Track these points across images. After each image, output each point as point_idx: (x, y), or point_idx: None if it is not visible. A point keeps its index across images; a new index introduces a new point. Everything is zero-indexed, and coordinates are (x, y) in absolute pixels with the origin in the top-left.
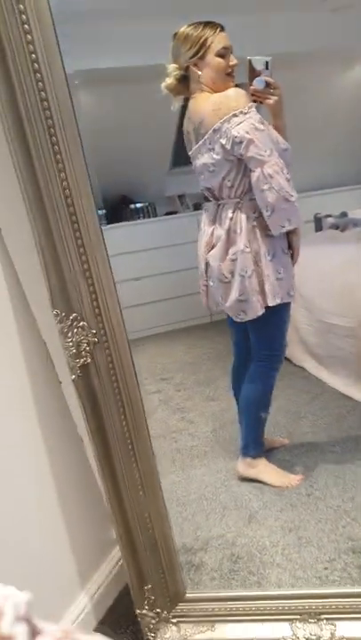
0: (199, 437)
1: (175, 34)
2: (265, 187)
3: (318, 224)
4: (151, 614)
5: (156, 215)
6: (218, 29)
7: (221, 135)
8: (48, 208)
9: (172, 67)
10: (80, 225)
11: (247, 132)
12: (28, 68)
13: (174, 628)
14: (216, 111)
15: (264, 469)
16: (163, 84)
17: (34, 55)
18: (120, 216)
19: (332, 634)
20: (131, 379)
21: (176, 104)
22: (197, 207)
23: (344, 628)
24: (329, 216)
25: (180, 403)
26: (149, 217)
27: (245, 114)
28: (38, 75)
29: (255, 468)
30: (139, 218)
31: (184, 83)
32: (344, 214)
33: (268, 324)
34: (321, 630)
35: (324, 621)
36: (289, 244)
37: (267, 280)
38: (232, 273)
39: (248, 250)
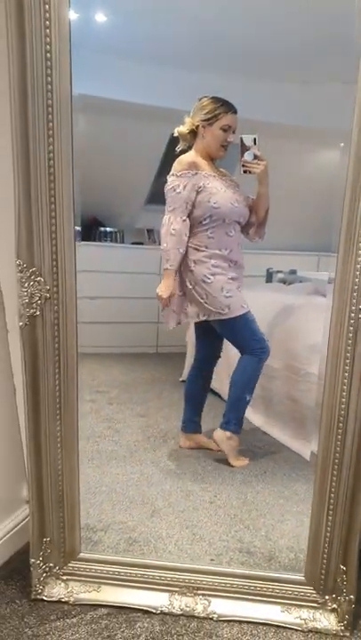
0: (121, 445)
1: (200, 98)
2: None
3: (269, 277)
4: (44, 567)
5: (123, 242)
6: (231, 110)
7: None
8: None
9: (188, 120)
10: (56, 191)
11: (167, 190)
12: (43, 86)
13: (62, 584)
14: (172, 168)
15: (234, 443)
16: (177, 129)
17: (49, 71)
18: (88, 236)
19: (204, 608)
20: (71, 340)
21: (180, 146)
22: None
23: (216, 604)
24: (280, 272)
25: (111, 414)
26: (117, 242)
27: (178, 177)
28: (49, 94)
29: (231, 440)
30: (106, 241)
31: (191, 135)
32: (293, 271)
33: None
34: (196, 604)
35: (200, 597)
36: None
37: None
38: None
39: None
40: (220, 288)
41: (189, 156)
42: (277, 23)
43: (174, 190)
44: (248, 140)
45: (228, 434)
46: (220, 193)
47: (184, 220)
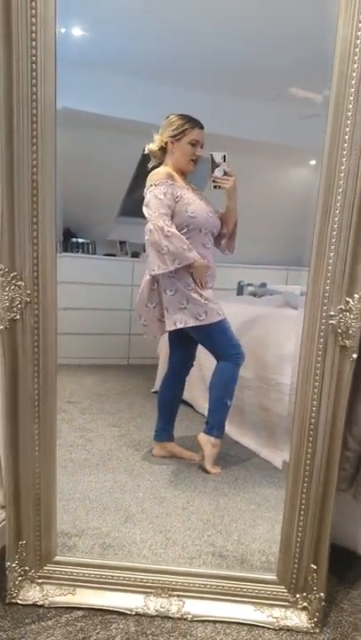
0: (94, 453)
1: (168, 116)
2: (146, 238)
3: (240, 290)
4: (19, 570)
5: (95, 253)
6: (197, 126)
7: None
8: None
9: (157, 137)
10: (38, 197)
11: (149, 199)
12: (28, 96)
13: (38, 588)
14: (147, 182)
15: (217, 448)
16: (147, 146)
17: (34, 82)
18: (61, 247)
19: (179, 609)
20: (52, 344)
21: (152, 163)
22: (135, 255)
23: (190, 605)
24: (251, 285)
25: (83, 424)
26: (89, 253)
27: (156, 186)
28: (34, 103)
29: (215, 445)
30: (78, 252)
31: (161, 151)
32: (263, 285)
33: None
34: (170, 605)
35: (175, 598)
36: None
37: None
38: None
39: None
40: (199, 295)
41: (164, 169)
42: (252, 40)
43: (156, 197)
44: (218, 156)
45: (212, 439)
46: (195, 203)
47: (172, 224)
